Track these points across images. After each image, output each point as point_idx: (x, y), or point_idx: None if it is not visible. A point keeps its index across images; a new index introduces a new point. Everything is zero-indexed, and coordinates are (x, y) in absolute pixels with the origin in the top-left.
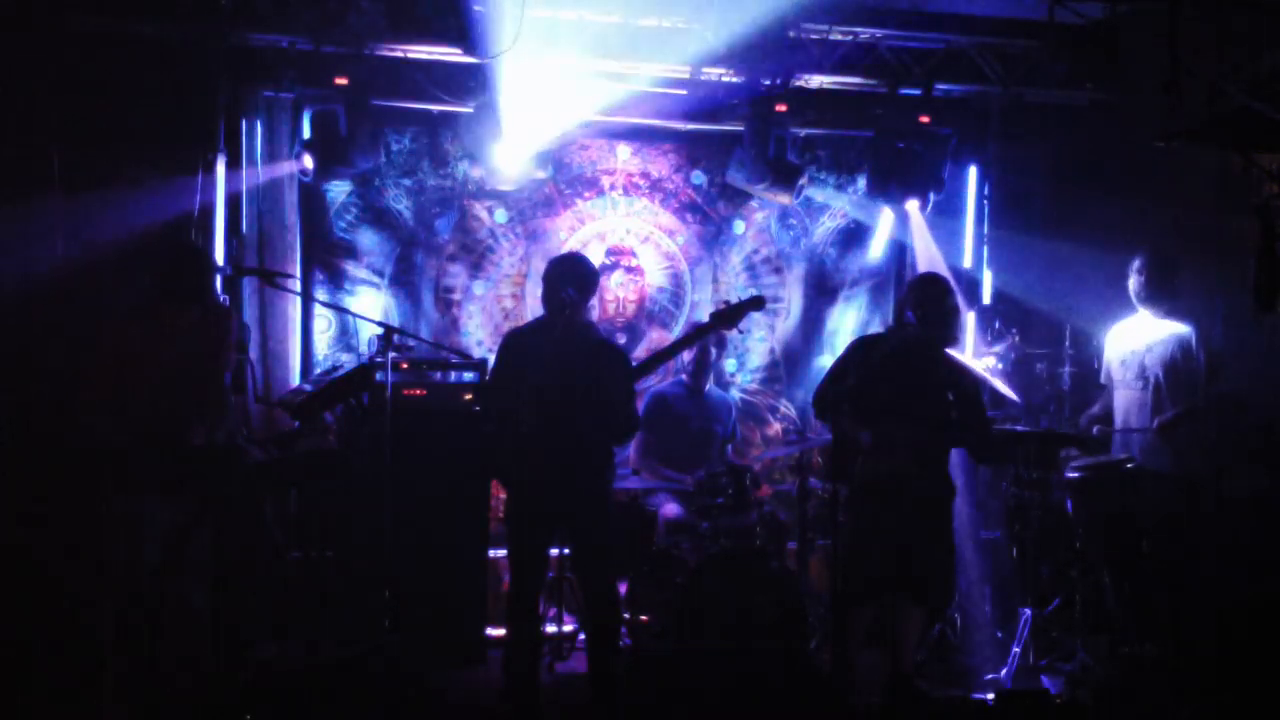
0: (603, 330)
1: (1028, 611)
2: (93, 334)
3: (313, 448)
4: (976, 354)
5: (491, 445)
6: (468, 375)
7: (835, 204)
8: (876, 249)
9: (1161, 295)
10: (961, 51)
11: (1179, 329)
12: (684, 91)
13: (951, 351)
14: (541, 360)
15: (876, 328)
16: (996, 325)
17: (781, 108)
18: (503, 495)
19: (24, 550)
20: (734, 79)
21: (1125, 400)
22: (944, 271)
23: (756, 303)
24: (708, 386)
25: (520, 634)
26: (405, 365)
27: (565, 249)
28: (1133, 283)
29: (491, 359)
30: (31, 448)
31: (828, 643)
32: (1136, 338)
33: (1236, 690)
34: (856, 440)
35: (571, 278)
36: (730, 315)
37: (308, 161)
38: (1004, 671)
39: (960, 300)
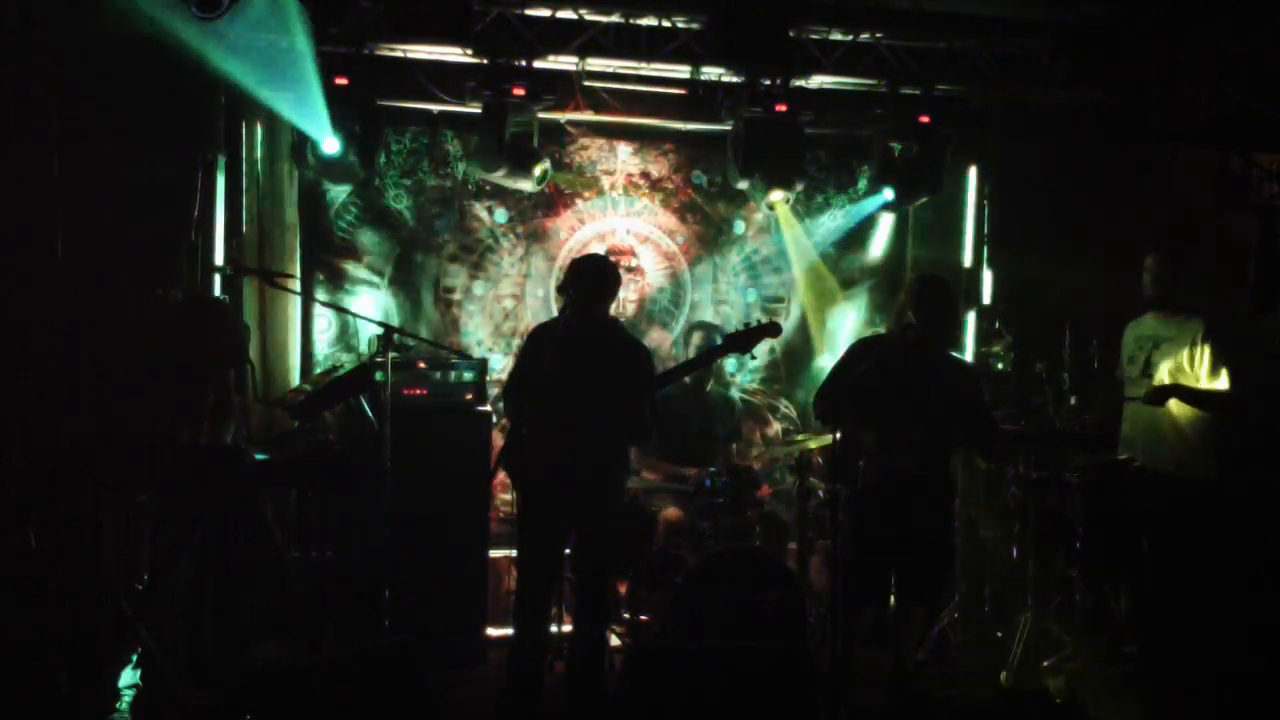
0: None
1: (1028, 612)
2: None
3: (313, 448)
4: (976, 354)
5: (506, 444)
6: (468, 375)
7: (835, 204)
8: (876, 249)
9: (1170, 295)
10: (961, 51)
11: (1188, 327)
12: (684, 91)
13: (952, 352)
14: (556, 357)
15: (877, 328)
16: (996, 325)
17: (781, 108)
18: (504, 495)
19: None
20: (734, 79)
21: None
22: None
23: (773, 329)
24: (708, 386)
25: (527, 635)
26: (420, 365)
27: (565, 249)
28: (1144, 283)
29: (491, 359)
30: (27, 448)
31: (828, 643)
32: (1146, 336)
33: (1237, 689)
34: (858, 441)
35: (574, 277)
36: (744, 340)
37: (332, 145)
38: (1004, 672)
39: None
